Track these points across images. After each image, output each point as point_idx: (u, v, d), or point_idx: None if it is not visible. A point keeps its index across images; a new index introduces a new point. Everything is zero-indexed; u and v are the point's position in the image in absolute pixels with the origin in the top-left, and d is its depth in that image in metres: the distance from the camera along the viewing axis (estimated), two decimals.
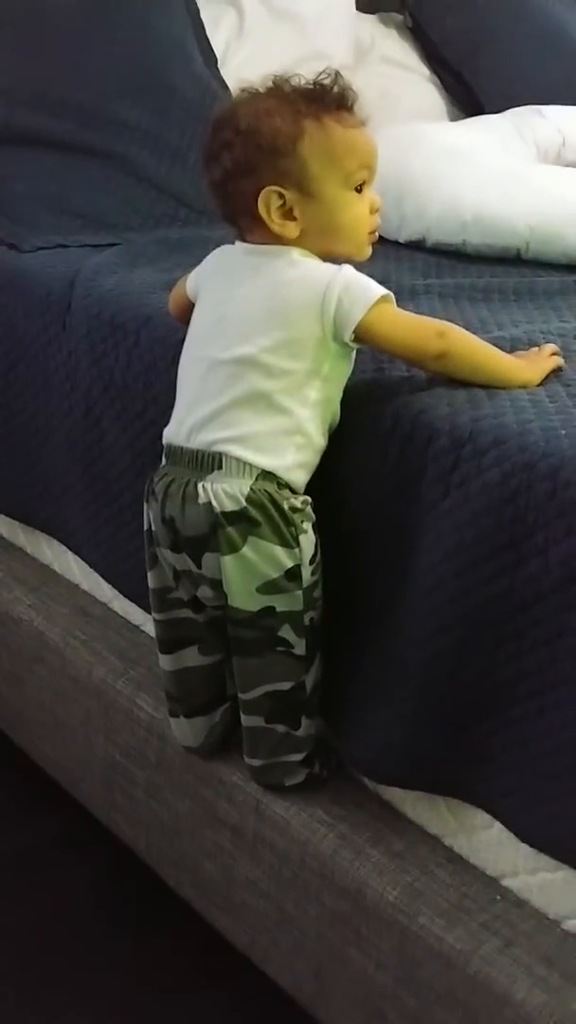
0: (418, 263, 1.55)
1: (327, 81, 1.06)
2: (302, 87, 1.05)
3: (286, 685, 1.09)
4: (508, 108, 2.08)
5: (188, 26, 1.98)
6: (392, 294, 1.05)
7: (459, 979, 1.00)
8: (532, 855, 1.01)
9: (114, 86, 1.78)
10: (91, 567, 1.47)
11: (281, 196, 1.03)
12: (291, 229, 1.04)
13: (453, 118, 2.34)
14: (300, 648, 1.08)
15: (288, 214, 1.04)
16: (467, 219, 1.57)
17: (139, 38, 1.86)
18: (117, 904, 1.48)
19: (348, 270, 1.04)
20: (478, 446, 0.97)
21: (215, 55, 2.02)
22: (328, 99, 1.04)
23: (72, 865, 1.53)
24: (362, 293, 1.02)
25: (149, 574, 1.16)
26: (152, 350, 1.28)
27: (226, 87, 2.00)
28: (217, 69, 2.01)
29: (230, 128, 1.04)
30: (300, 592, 1.05)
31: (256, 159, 1.02)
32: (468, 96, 2.32)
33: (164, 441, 1.11)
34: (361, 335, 1.02)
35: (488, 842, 1.06)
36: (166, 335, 1.25)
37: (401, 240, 1.64)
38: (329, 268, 1.04)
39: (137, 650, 1.39)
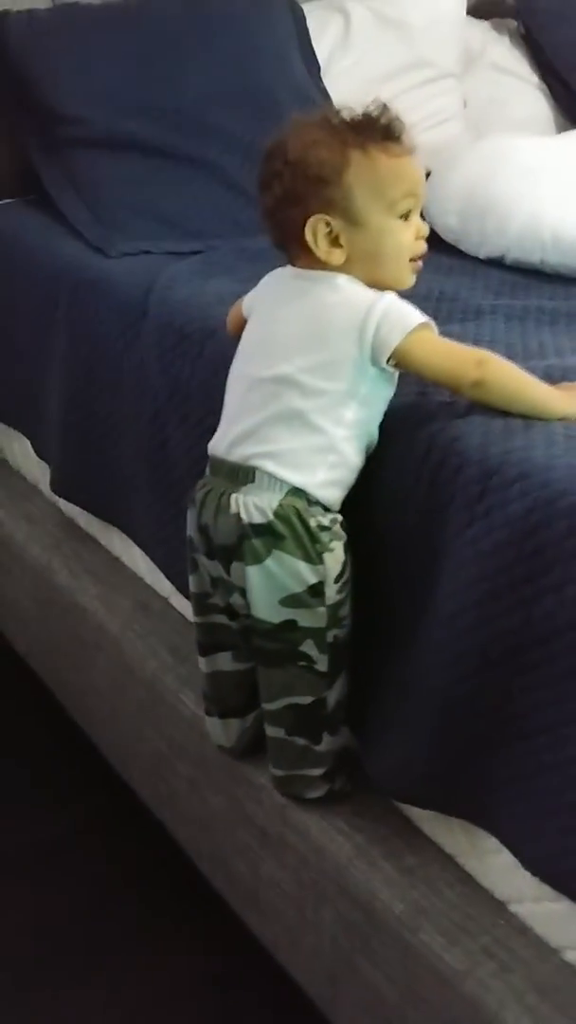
0: (492, 281, 1.56)
1: (374, 112, 1.09)
2: (349, 118, 1.08)
3: (307, 700, 1.12)
4: None
5: (292, 33, 2.01)
6: (432, 322, 1.06)
7: (454, 998, 1.02)
8: (537, 883, 1.02)
9: (211, 93, 1.83)
10: (154, 563, 1.52)
11: (328, 224, 1.06)
12: (337, 256, 1.07)
13: (560, 128, 2.32)
14: (323, 665, 1.11)
15: (335, 241, 1.07)
16: (546, 238, 1.56)
17: (241, 45, 1.90)
18: (149, 891, 1.53)
19: (390, 296, 1.06)
20: (505, 478, 0.99)
21: (318, 63, 2.04)
22: (374, 129, 1.07)
23: (113, 847, 1.59)
24: (400, 319, 1.04)
25: (190, 578, 1.20)
26: (214, 362, 1.32)
27: (327, 95, 2.03)
28: (319, 77, 2.04)
29: (280, 158, 1.08)
30: (324, 609, 1.09)
31: (303, 189, 1.06)
32: (575, 106, 2.29)
33: (209, 452, 1.16)
34: (398, 360, 1.05)
35: (497, 866, 1.08)
36: (228, 348, 1.28)
37: (481, 256, 1.65)
38: (371, 294, 1.06)
39: (188, 647, 1.43)
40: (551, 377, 1.14)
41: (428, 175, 1.80)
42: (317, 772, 1.16)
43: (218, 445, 1.14)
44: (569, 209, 1.57)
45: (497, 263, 1.63)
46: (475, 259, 1.65)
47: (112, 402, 1.54)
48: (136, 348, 1.47)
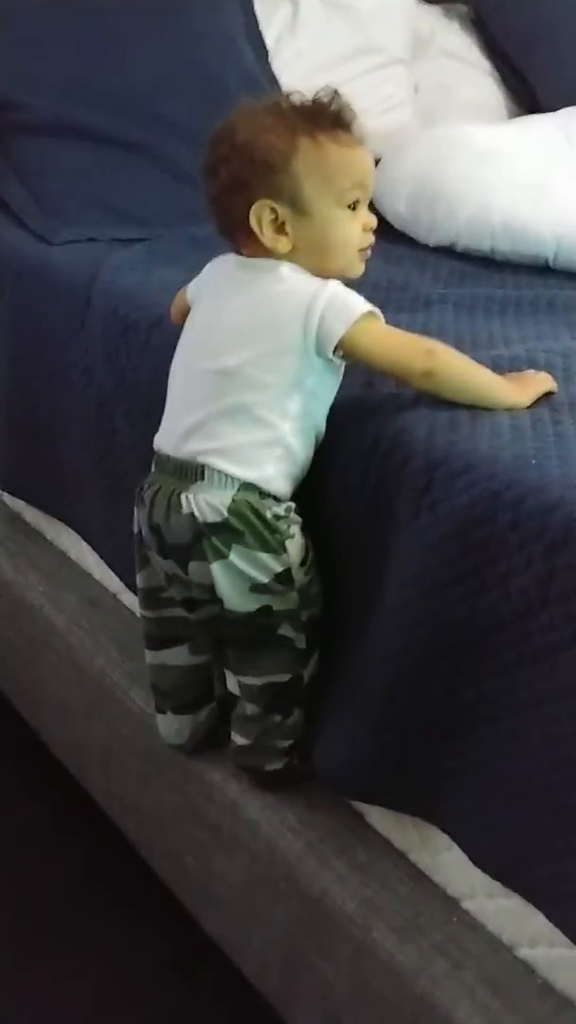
0: (442, 270, 1.54)
1: (325, 99, 1.06)
2: (300, 104, 1.06)
3: (285, 677, 1.11)
4: (564, 107, 2.04)
5: (240, 19, 1.98)
6: (378, 310, 1.05)
7: (407, 996, 1.01)
8: (489, 879, 1.02)
9: (158, 79, 1.79)
10: (101, 558, 1.50)
11: (273, 211, 1.04)
12: (282, 244, 1.05)
13: (511, 114, 2.31)
14: (301, 642, 1.10)
15: (280, 229, 1.05)
16: (496, 225, 1.55)
17: (188, 30, 1.87)
18: (107, 885, 1.52)
19: (333, 285, 1.04)
20: (451, 470, 0.97)
21: (266, 49, 2.02)
22: (324, 117, 1.05)
23: (68, 844, 1.57)
24: (345, 308, 1.02)
25: (139, 575, 1.18)
26: (161, 351, 1.29)
27: (276, 82, 2.00)
28: (268, 63, 2.01)
29: (226, 143, 1.05)
30: (294, 593, 1.07)
31: (250, 174, 1.04)
32: (526, 92, 2.28)
33: (155, 447, 1.13)
34: (345, 350, 1.03)
35: (449, 862, 1.07)
36: (173, 338, 1.25)
37: (431, 244, 1.63)
38: (314, 283, 1.04)
39: (137, 644, 1.40)
40: (499, 367, 1.13)
41: (378, 162, 1.79)
42: (285, 744, 1.15)
43: (164, 441, 1.11)
44: (519, 196, 1.56)
45: (447, 251, 1.62)
46: (425, 248, 1.64)
47: (57, 393, 1.51)
48: (81, 338, 1.44)
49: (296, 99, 1.07)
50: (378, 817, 1.14)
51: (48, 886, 1.52)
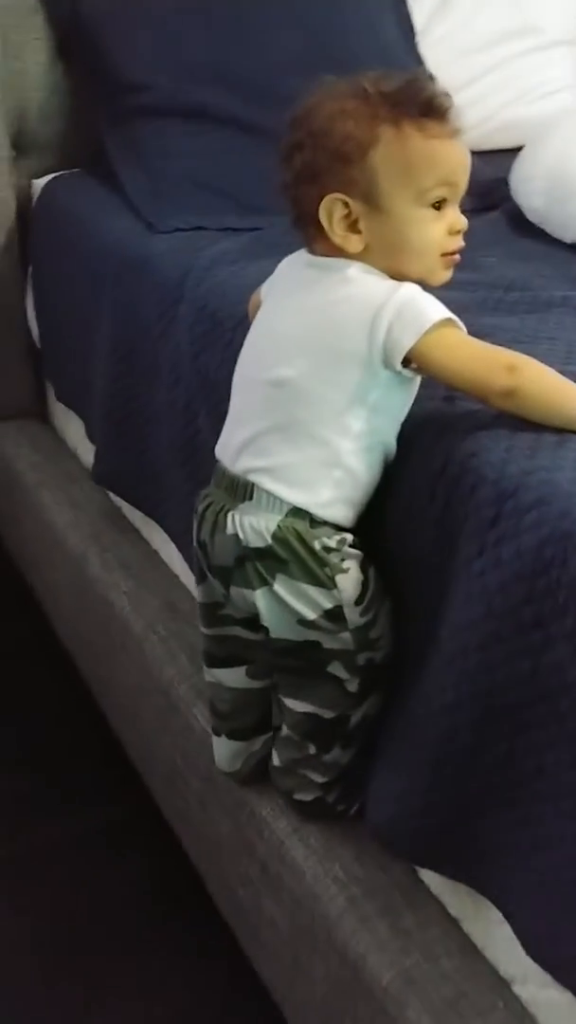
0: (573, 269, 1.40)
1: (417, 83, 0.94)
2: (388, 88, 0.94)
3: (329, 714, 1.02)
4: None
5: None
6: (457, 319, 0.93)
7: None
8: None
9: (289, 60, 1.70)
10: (185, 560, 1.43)
11: (346, 205, 0.93)
12: (354, 243, 0.94)
13: None
14: (353, 686, 1.00)
15: (353, 226, 0.94)
16: None
17: (326, 8, 1.78)
18: (168, 907, 1.45)
19: (407, 290, 0.93)
20: (521, 503, 0.85)
21: (413, 28, 1.90)
22: (413, 104, 0.93)
23: (134, 857, 1.51)
24: (416, 316, 0.91)
25: (197, 588, 1.10)
26: None
27: (421, 62, 1.88)
28: (414, 44, 1.89)
29: (303, 128, 0.95)
30: (347, 634, 0.97)
31: (324, 164, 0.93)
32: None
33: (216, 455, 1.05)
34: (415, 363, 0.92)
35: (504, 939, 0.95)
36: None
37: (567, 241, 1.48)
38: (386, 287, 0.93)
39: None
40: None
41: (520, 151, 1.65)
42: (316, 779, 1.06)
43: (223, 451, 1.03)
44: None
45: None
46: (561, 245, 1.49)
47: (150, 389, 1.45)
48: (172, 333, 1.37)
49: (385, 82, 0.94)
50: (433, 877, 1.03)
51: (109, 901, 1.46)
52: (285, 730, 1.06)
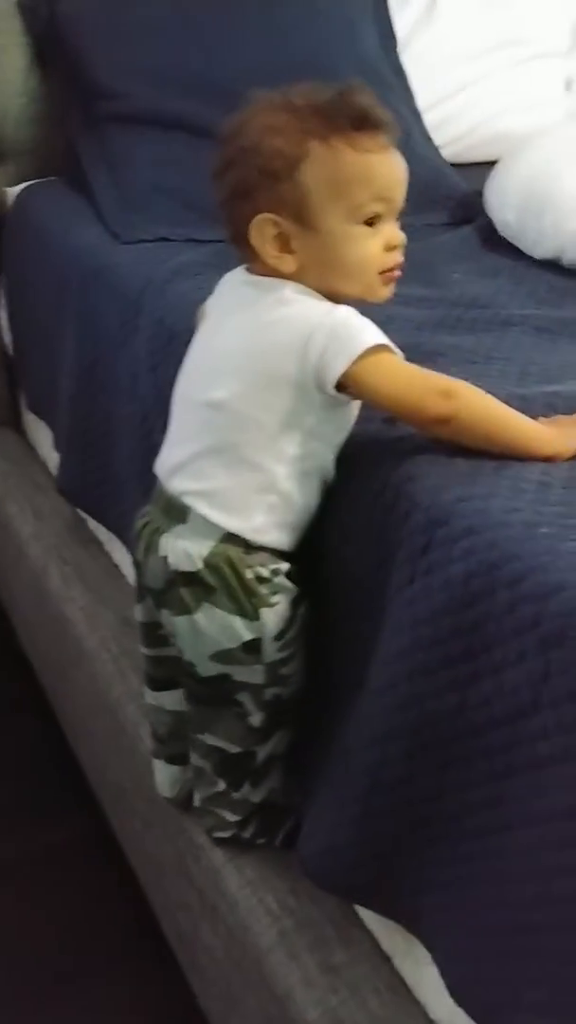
0: (541, 286, 1.37)
1: (345, 96, 0.91)
2: (318, 101, 0.91)
3: (235, 748, 1.00)
4: None
5: (367, 3, 1.85)
6: (391, 344, 0.89)
7: None
8: None
9: (264, 68, 1.66)
10: None
11: (276, 225, 0.90)
12: (287, 263, 0.91)
13: None
14: (257, 720, 0.98)
15: (285, 245, 0.91)
16: None
17: (304, 15, 1.76)
18: (115, 926, 1.43)
19: (341, 312, 0.90)
20: (452, 531, 0.82)
21: (395, 37, 1.87)
22: (344, 117, 0.89)
23: (89, 875, 1.49)
24: (349, 340, 0.88)
25: (137, 607, 1.08)
26: None
27: (401, 72, 1.86)
28: (395, 53, 1.87)
29: (234, 145, 0.93)
30: (261, 667, 0.95)
31: (254, 181, 0.90)
32: None
33: (155, 471, 1.03)
34: (347, 388, 0.89)
35: (433, 978, 0.91)
36: None
37: (536, 256, 1.46)
38: (320, 309, 0.90)
39: None
40: (553, 407, 0.97)
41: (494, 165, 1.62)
42: (230, 817, 1.04)
43: (160, 466, 1.01)
44: None
45: (553, 266, 1.44)
46: (530, 261, 1.46)
47: (111, 401, 1.43)
48: (131, 345, 1.35)
49: (316, 95, 0.91)
50: (367, 912, 1.00)
51: (58, 920, 1.44)
52: (196, 763, 1.03)
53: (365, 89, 0.92)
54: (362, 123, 0.90)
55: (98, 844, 1.49)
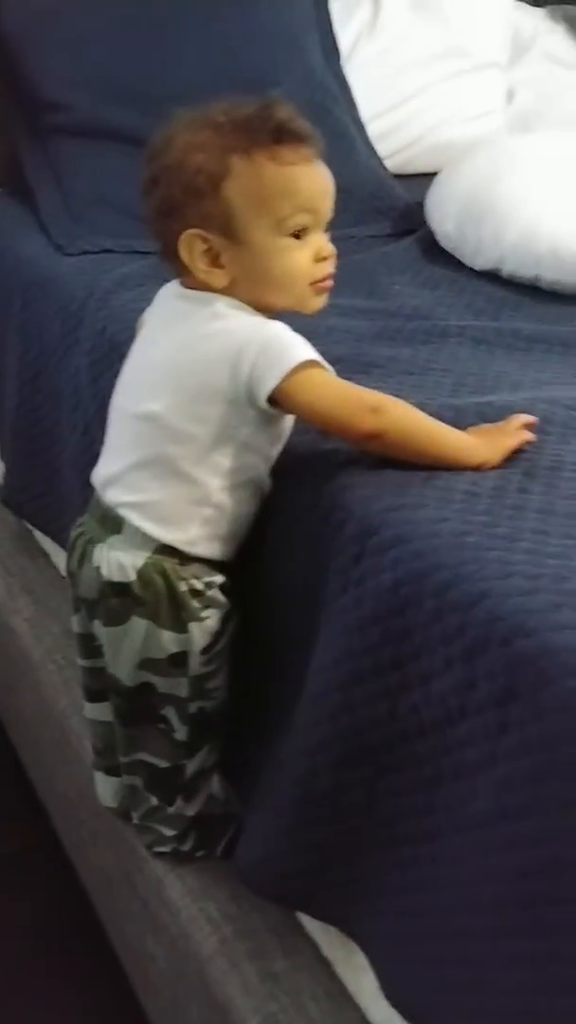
0: (479, 298, 1.39)
1: (265, 110, 0.91)
2: (238, 116, 0.91)
3: (163, 763, 1.00)
4: None
5: (311, 17, 1.87)
6: (320, 359, 0.90)
7: None
8: None
9: (207, 80, 1.68)
10: None
11: (205, 240, 0.91)
12: (218, 277, 0.92)
13: None
14: (182, 734, 0.99)
15: (215, 260, 0.92)
16: (543, 251, 1.39)
17: (247, 26, 1.77)
18: (63, 938, 1.42)
19: (271, 328, 0.91)
20: (382, 541, 0.84)
21: (338, 49, 1.89)
22: (264, 131, 0.90)
23: (34, 885, 1.48)
24: (279, 356, 0.88)
25: (73, 618, 1.08)
26: None
27: (346, 85, 1.88)
28: (339, 65, 1.89)
29: (158, 162, 0.93)
30: (185, 680, 0.96)
31: (180, 198, 0.91)
32: None
33: (92, 481, 1.03)
34: (278, 403, 0.89)
35: (372, 984, 0.92)
36: None
37: (476, 268, 1.48)
38: (251, 324, 0.91)
39: None
40: (484, 416, 0.98)
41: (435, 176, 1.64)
42: (167, 832, 1.05)
43: (96, 476, 1.01)
44: (572, 220, 1.40)
45: (492, 277, 1.46)
46: (470, 272, 1.48)
47: (55, 411, 1.43)
48: (73, 355, 1.35)
49: (236, 110, 0.92)
50: (308, 918, 1.01)
51: (5, 930, 1.43)
52: (127, 781, 1.04)
53: (284, 102, 0.93)
54: (282, 136, 0.91)
55: (49, 854, 1.49)
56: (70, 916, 1.42)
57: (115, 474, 0.97)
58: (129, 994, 1.22)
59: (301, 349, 0.89)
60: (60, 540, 1.49)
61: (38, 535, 1.64)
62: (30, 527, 1.65)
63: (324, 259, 0.93)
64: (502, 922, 0.72)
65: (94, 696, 1.09)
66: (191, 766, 1.00)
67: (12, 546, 1.62)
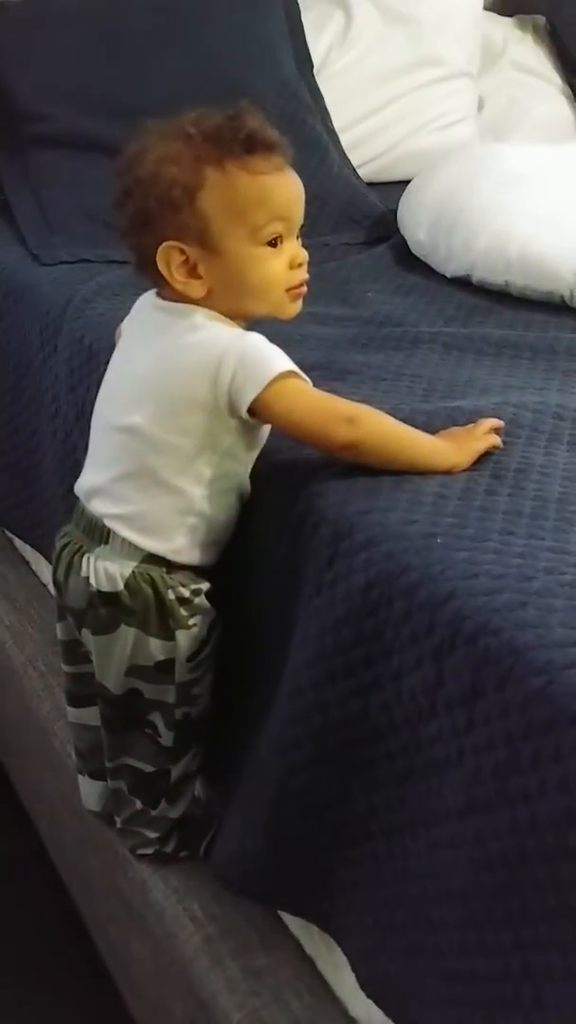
0: (450, 305, 1.41)
1: (235, 120, 0.93)
2: (208, 127, 0.93)
3: (148, 768, 1.02)
4: None
5: (283, 28, 1.89)
6: (298, 370, 0.92)
7: None
8: None
9: (182, 91, 1.69)
10: None
11: (183, 252, 0.92)
12: (196, 288, 0.94)
13: None
14: (167, 740, 1.01)
15: (192, 271, 0.93)
16: (512, 257, 1.41)
17: (221, 39, 1.79)
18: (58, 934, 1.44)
19: (250, 340, 0.92)
20: (355, 543, 0.86)
21: (311, 59, 1.92)
22: (234, 141, 0.92)
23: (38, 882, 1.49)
24: (257, 367, 0.90)
25: (58, 625, 1.10)
26: None
27: (319, 95, 1.90)
28: (311, 75, 1.91)
29: (131, 175, 0.94)
30: (172, 687, 0.98)
31: (154, 211, 0.92)
32: None
33: (75, 491, 1.05)
34: (257, 413, 0.91)
35: (353, 978, 0.95)
36: None
37: (448, 275, 1.50)
38: (229, 335, 0.93)
39: None
40: (454, 421, 1.00)
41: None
42: (151, 834, 1.07)
43: (80, 487, 1.03)
44: (541, 226, 1.42)
45: (464, 284, 1.48)
46: (442, 279, 1.51)
47: (34, 420, 1.45)
48: (51, 364, 1.37)
49: (206, 121, 0.93)
50: (290, 916, 1.03)
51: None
52: (112, 786, 1.06)
53: (253, 111, 0.94)
54: (254, 146, 0.92)
55: (35, 861, 1.50)
56: (56, 922, 1.44)
57: (99, 486, 0.98)
58: (114, 997, 1.24)
59: (279, 361, 0.91)
60: (41, 548, 1.51)
61: (18, 543, 1.65)
62: (10, 537, 1.67)
63: (299, 265, 0.95)
64: (469, 913, 0.74)
65: (78, 701, 1.11)
66: (176, 771, 1.02)
67: None
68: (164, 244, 0.92)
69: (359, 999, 0.94)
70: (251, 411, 0.91)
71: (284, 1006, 0.96)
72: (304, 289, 0.98)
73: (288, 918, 1.03)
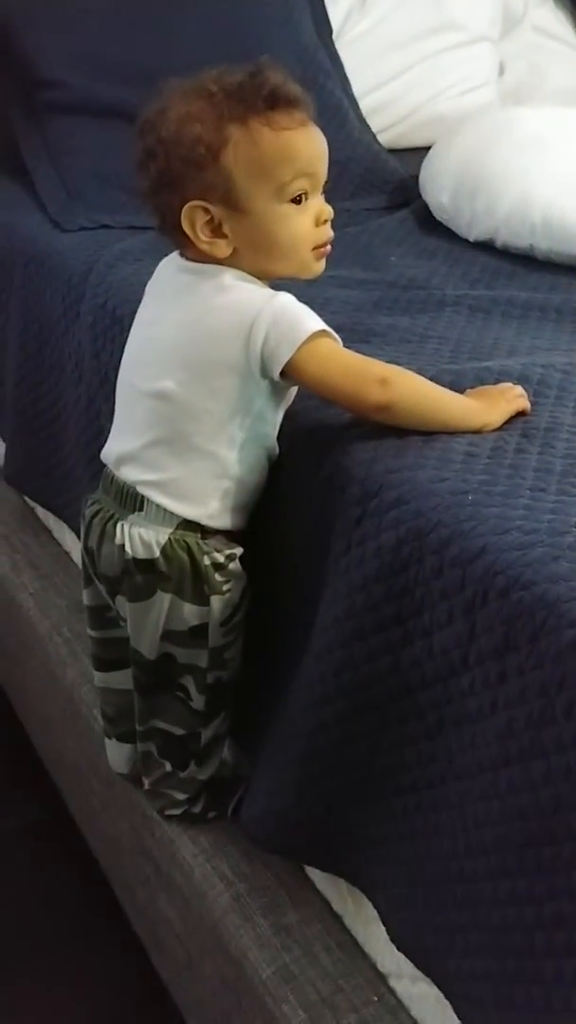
0: (475, 268, 1.41)
1: (257, 77, 0.92)
2: (230, 85, 0.92)
3: (179, 731, 1.03)
4: None
5: None
6: (329, 329, 0.91)
7: None
8: None
9: (201, 57, 1.67)
10: None
11: (207, 211, 0.92)
12: (221, 248, 0.93)
13: None
14: (199, 703, 1.01)
15: (217, 231, 0.92)
16: (536, 221, 1.40)
17: (240, 4, 1.78)
18: (74, 906, 1.45)
19: (281, 300, 0.92)
20: (384, 502, 0.86)
21: (330, 25, 1.90)
22: (257, 97, 0.91)
23: (45, 858, 1.50)
24: (291, 328, 0.90)
25: (84, 591, 1.10)
26: None
27: (338, 60, 1.89)
28: (330, 40, 1.89)
29: (153, 135, 0.93)
30: (205, 651, 0.98)
31: (178, 171, 0.91)
32: None
33: (102, 458, 1.05)
34: (289, 375, 0.91)
35: (382, 933, 0.95)
36: None
37: (471, 239, 1.49)
38: (260, 296, 0.92)
39: None
40: (483, 380, 1.00)
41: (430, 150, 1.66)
42: (179, 796, 1.08)
43: (108, 454, 1.03)
44: (563, 189, 1.41)
45: (487, 248, 1.47)
46: (465, 243, 1.50)
47: (57, 386, 1.45)
48: (74, 330, 1.37)
49: (227, 78, 0.92)
50: (318, 873, 1.03)
51: (27, 900, 1.45)
52: (142, 748, 1.06)
53: (275, 66, 0.93)
54: (277, 101, 0.91)
55: (55, 830, 1.51)
56: (82, 887, 1.45)
57: (130, 452, 0.98)
58: (142, 959, 1.25)
59: (311, 321, 0.91)
60: (64, 516, 1.51)
61: (40, 511, 1.66)
62: (32, 505, 1.68)
63: (324, 222, 0.94)
64: (502, 863, 0.74)
65: (105, 666, 1.11)
66: (206, 733, 1.03)
67: (15, 523, 1.64)
68: (189, 204, 0.92)
69: (389, 953, 0.95)
70: (283, 373, 0.91)
71: (314, 960, 0.97)
72: (329, 248, 0.97)
73: (316, 876, 1.04)
